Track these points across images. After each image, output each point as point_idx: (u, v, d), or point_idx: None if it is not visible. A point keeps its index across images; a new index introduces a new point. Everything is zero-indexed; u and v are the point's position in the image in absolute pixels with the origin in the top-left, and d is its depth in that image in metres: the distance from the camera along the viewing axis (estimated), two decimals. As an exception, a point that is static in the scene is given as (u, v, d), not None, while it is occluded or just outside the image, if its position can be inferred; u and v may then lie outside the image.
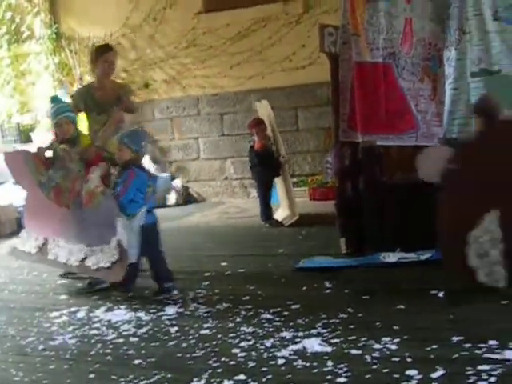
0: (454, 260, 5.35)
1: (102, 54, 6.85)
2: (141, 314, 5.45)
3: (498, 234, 5.12)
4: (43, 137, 11.52)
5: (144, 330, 5.09)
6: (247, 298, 5.63)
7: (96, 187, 6.22)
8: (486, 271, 5.19)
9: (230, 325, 4.97)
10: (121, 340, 4.92)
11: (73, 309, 5.83)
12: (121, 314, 5.55)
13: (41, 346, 4.97)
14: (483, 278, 5.20)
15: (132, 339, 4.91)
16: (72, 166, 6.45)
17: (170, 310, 5.47)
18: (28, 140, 11.62)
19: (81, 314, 5.66)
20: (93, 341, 4.97)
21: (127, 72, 11.99)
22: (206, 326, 5.01)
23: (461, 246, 5.20)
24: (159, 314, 5.44)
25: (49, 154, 6.63)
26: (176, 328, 5.03)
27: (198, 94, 11.49)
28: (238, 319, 5.09)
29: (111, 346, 4.81)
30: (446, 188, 5.37)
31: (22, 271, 7.44)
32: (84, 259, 6.23)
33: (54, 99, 6.90)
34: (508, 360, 3.87)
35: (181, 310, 5.49)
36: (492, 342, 4.13)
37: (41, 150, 6.68)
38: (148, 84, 11.88)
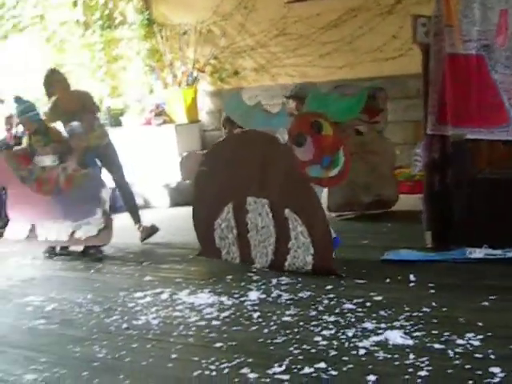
0: (206, 243, 6.90)
1: (52, 77, 7.95)
2: (224, 299, 5.52)
3: (232, 222, 6.58)
4: (133, 121, 11.73)
5: (226, 313, 5.16)
6: (330, 287, 5.62)
7: (74, 171, 7.42)
8: (225, 251, 6.74)
9: (312, 313, 5.00)
10: (203, 323, 5.00)
11: (157, 290, 5.95)
12: (204, 297, 5.63)
13: (124, 325, 5.10)
14: (225, 256, 6.76)
15: (214, 322, 4.99)
16: (47, 159, 7.51)
17: (253, 296, 5.53)
18: (118, 124, 11.79)
19: (164, 296, 5.77)
20: (175, 322, 5.08)
21: (217, 59, 12.04)
22: (288, 313, 5.05)
23: (210, 231, 6.78)
24: (242, 299, 5.50)
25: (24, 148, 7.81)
26: (258, 313, 5.09)
27: (287, 82, 11.40)
28: (321, 308, 5.11)
29: (193, 329, 4.90)
30: (197, 186, 7.03)
31: (109, 250, 7.64)
32: (73, 233, 7.44)
33: (17, 100, 7.83)
34: None
35: (263, 296, 5.54)
36: None
37: (18, 150, 7.93)
38: (237, 72, 11.90)
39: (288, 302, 5.34)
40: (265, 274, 6.16)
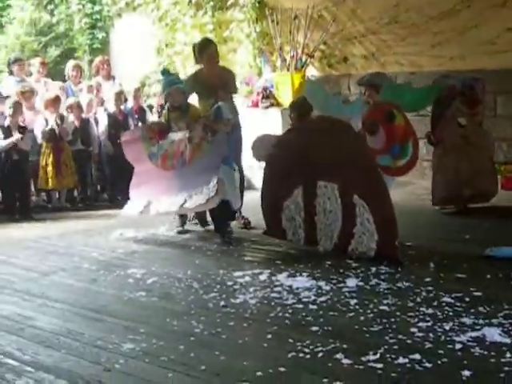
0: (272, 223, 6.96)
1: (206, 48, 7.93)
2: (321, 283, 5.55)
3: (301, 205, 6.64)
4: (240, 103, 11.81)
5: (324, 298, 5.18)
6: (429, 279, 5.59)
7: (200, 140, 7.27)
8: (292, 232, 6.81)
9: (410, 304, 4.98)
10: (300, 306, 5.04)
11: (256, 271, 6.02)
12: (302, 280, 5.67)
13: (222, 303, 5.18)
14: (291, 236, 6.84)
15: (311, 306, 5.02)
16: (180, 134, 7.44)
17: (351, 283, 5.54)
18: (226, 105, 11.91)
19: (263, 277, 5.83)
20: (273, 303, 5.13)
21: (327, 45, 12.01)
22: (385, 302, 5.04)
23: (277, 212, 6.83)
24: (340, 285, 5.52)
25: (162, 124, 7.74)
26: (355, 301, 5.10)
27: (395, 71, 11.30)
28: (418, 299, 5.08)
29: (290, 311, 4.94)
30: (268, 167, 6.96)
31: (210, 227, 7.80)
32: (183, 203, 7.32)
33: (165, 72, 7.84)
34: None
35: (361, 283, 5.55)
36: None
37: (156, 124, 7.98)
38: (346, 58, 11.86)
39: (386, 291, 5.33)
40: (364, 262, 6.15)
